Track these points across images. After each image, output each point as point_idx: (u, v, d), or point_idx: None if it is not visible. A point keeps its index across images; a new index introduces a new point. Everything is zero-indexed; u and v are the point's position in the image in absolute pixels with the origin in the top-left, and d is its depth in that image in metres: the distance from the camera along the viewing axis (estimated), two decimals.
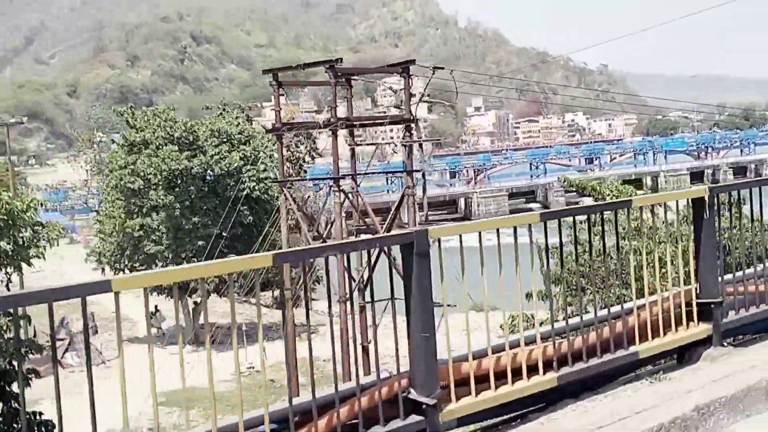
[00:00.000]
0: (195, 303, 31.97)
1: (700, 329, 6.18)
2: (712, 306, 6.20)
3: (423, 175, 28.48)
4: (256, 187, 30.50)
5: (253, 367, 27.51)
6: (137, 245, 30.42)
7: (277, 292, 45.16)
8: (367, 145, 28.79)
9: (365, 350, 23.21)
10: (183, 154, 30.32)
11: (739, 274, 6.69)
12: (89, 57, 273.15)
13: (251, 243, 29.33)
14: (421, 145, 27.93)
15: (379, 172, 31.66)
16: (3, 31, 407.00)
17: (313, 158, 39.59)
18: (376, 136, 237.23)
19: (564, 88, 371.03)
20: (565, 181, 26.59)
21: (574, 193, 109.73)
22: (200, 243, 30.05)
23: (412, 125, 25.80)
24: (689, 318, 6.16)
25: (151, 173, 29.55)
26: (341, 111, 26.28)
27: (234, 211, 29.06)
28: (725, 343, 6.29)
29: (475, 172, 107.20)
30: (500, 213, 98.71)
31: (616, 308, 6.24)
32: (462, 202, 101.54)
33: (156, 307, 29.43)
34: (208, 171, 30.56)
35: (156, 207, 29.54)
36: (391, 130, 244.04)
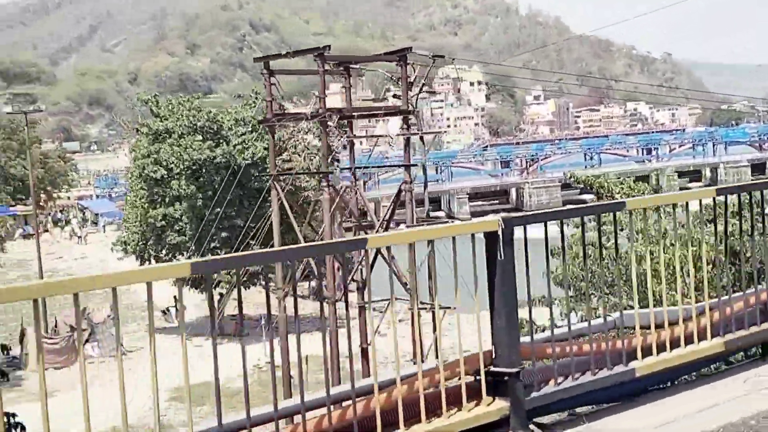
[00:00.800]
0: (220, 294, 31.67)
1: None
2: None
3: (424, 169, 27.58)
4: (281, 178, 29.99)
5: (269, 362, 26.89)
6: (160, 235, 30.24)
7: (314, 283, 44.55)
8: (360, 138, 27.96)
9: (365, 353, 22.53)
10: (206, 143, 29.93)
11: None
12: (150, 45, 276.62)
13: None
14: (422, 138, 26.98)
15: (378, 166, 30.89)
16: (70, 19, 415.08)
17: (345, 147, 38.61)
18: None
19: (626, 77, 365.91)
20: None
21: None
22: (224, 234, 29.76)
23: (411, 116, 24.77)
24: None
25: (173, 163, 29.26)
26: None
27: (258, 201, 28.75)
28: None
29: (527, 162, 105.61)
30: (552, 204, 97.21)
31: None
32: (513, 193, 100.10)
33: (175, 297, 29.18)
34: (231, 161, 30.09)
35: (179, 197, 29.21)
36: (455, 121, 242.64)
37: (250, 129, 30.68)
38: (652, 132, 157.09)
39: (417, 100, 26.82)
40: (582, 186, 25.56)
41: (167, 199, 29.87)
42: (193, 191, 29.14)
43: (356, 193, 41.13)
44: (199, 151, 29.57)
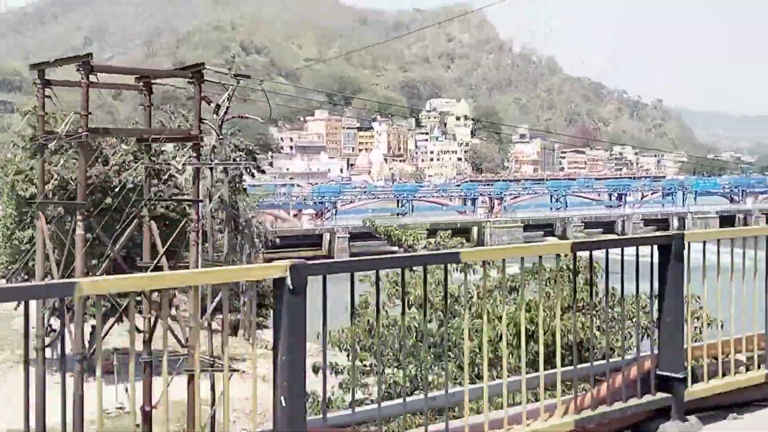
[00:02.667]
0: (92, 327, 30.06)
1: None
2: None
3: (224, 203, 26.08)
4: (162, 205, 28.58)
5: (122, 408, 25.09)
6: (26, 259, 28.74)
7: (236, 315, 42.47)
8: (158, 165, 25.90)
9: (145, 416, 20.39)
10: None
11: None
12: (140, 60, 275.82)
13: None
14: (211, 169, 25.51)
15: (178, 200, 28.65)
16: (65, 29, 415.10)
17: (252, 175, 37.28)
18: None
19: (615, 121, 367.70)
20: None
21: (598, 229, 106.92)
22: (93, 262, 28.31)
23: (203, 144, 23.17)
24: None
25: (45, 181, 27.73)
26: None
27: (133, 227, 27.29)
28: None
29: (490, 200, 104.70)
30: (514, 244, 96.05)
31: None
32: (475, 231, 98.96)
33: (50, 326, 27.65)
34: (108, 182, 28.56)
35: (49, 219, 27.68)
36: (439, 155, 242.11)
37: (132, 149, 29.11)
38: (621, 178, 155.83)
39: (222, 125, 25.27)
40: (382, 236, 24.06)
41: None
42: (60, 213, 27.70)
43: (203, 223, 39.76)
44: (70, 169, 28.02)
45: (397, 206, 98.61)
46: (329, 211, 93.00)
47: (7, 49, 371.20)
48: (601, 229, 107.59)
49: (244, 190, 37.27)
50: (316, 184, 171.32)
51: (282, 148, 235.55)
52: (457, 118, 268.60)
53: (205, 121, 23.66)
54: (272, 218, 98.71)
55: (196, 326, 15.80)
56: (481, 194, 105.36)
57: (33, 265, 26.29)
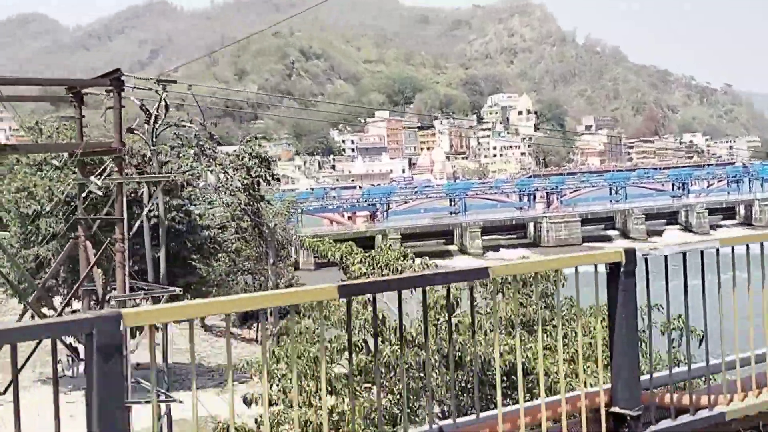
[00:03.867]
0: None
1: None
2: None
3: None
4: (168, 216, 28.08)
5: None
6: (33, 277, 28.47)
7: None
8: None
9: None
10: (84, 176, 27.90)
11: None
12: (203, 70, 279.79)
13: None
14: (148, 184, 24.58)
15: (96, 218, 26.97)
16: (132, 43, 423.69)
17: (269, 183, 36.61)
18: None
19: (684, 108, 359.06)
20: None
21: (660, 220, 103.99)
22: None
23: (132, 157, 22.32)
24: None
25: (45, 197, 27.50)
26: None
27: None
28: None
29: (547, 195, 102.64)
30: (571, 240, 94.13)
31: None
32: (531, 227, 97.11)
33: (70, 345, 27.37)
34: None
35: (55, 235, 27.46)
36: (502, 150, 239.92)
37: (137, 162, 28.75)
38: (687, 166, 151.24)
39: (154, 136, 24.40)
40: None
41: (40, 239, 28.17)
42: (62, 229, 27.40)
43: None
44: (72, 185, 27.66)
45: (450, 205, 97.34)
46: (380, 212, 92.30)
47: (76, 65, 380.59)
48: (664, 220, 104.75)
49: (262, 197, 36.60)
50: (378, 185, 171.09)
51: (344, 150, 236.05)
52: (519, 113, 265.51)
53: (137, 132, 23.03)
54: (327, 221, 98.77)
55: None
56: (537, 189, 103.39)
57: (41, 283, 26.06)
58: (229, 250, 35.16)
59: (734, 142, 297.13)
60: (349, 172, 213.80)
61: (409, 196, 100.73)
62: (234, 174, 35.22)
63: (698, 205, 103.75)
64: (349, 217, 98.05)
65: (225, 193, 35.95)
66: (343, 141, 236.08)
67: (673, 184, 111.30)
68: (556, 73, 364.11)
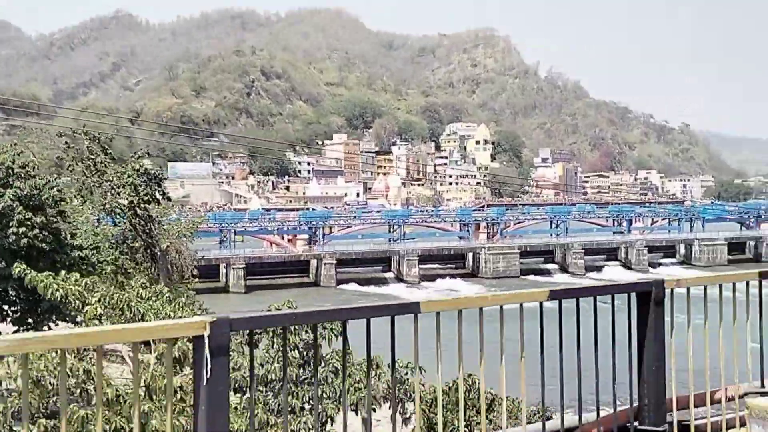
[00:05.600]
0: None
1: None
2: None
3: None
4: (29, 234, 26.76)
5: None
6: None
7: None
8: None
9: None
10: None
11: None
12: (161, 84, 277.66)
13: (32, 303, 25.86)
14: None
15: None
16: (94, 54, 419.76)
17: (158, 202, 35.35)
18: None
19: (641, 145, 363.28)
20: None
21: (600, 255, 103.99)
22: None
23: None
24: None
25: None
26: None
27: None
28: None
29: (487, 226, 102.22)
30: (509, 272, 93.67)
31: None
32: (470, 257, 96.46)
33: None
34: None
35: None
36: (458, 179, 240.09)
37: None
38: (622, 203, 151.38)
39: None
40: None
41: None
42: None
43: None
44: None
45: (389, 231, 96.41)
46: (317, 237, 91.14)
47: (35, 74, 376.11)
48: (604, 256, 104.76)
49: (150, 217, 35.25)
50: (331, 208, 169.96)
51: (299, 171, 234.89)
52: (477, 142, 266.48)
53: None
54: (267, 243, 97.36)
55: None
56: (477, 220, 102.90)
57: None
58: (111, 271, 33.63)
59: (688, 180, 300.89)
60: (303, 193, 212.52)
61: (347, 221, 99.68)
62: (120, 191, 33.86)
63: (638, 242, 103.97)
64: (290, 240, 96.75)
65: (110, 212, 34.59)
66: (300, 162, 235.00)
67: (614, 221, 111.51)
68: (517, 105, 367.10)
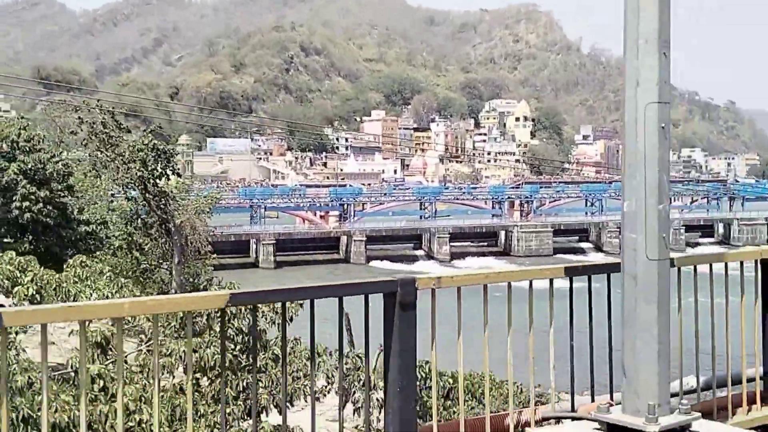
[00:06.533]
0: None
1: None
2: None
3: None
4: (33, 208, 26.63)
5: None
6: None
7: None
8: None
9: None
10: None
11: None
12: (199, 61, 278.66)
13: None
14: None
15: None
16: (137, 30, 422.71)
17: (168, 177, 35.00)
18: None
19: (686, 123, 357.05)
20: None
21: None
22: None
23: None
24: None
25: None
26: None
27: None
28: None
29: (521, 204, 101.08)
30: (542, 250, 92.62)
31: None
32: (502, 236, 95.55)
33: None
34: None
35: None
36: (496, 156, 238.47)
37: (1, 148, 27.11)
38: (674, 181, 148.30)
39: None
40: None
41: None
42: None
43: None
44: None
45: (420, 209, 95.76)
46: (348, 213, 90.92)
47: (78, 50, 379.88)
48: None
49: (163, 193, 34.98)
50: (368, 185, 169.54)
51: (337, 148, 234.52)
52: (517, 119, 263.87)
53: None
54: (299, 219, 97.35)
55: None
56: (509, 197, 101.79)
57: None
58: (121, 246, 33.49)
59: (733, 159, 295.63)
60: (341, 170, 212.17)
61: (379, 198, 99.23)
62: (131, 166, 33.60)
63: (675, 221, 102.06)
64: (322, 216, 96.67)
65: (122, 187, 34.38)
66: (337, 139, 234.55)
67: None
68: (558, 82, 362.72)
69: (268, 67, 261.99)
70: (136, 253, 36.99)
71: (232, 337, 9.50)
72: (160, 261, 37.84)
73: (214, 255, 45.92)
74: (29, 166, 26.49)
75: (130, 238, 33.60)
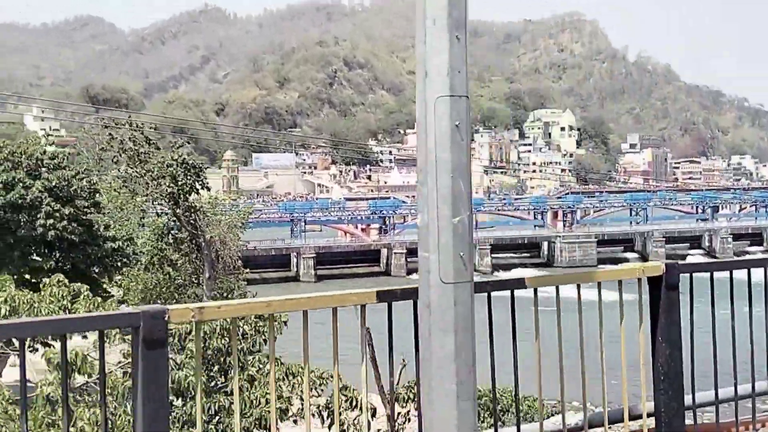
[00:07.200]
0: None
1: None
2: None
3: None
4: (58, 225, 26.78)
5: None
6: None
7: None
8: None
9: None
10: None
11: None
12: (244, 77, 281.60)
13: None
14: None
15: None
16: (185, 48, 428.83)
17: (198, 192, 35.06)
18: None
19: (735, 129, 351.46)
20: None
21: (683, 244, 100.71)
22: None
23: None
24: None
25: None
26: None
27: (31, 252, 25.75)
28: None
29: (564, 214, 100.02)
30: (586, 261, 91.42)
31: None
32: (545, 247, 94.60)
33: None
34: None
35: None
36: (542, 166, 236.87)
37: (26, 165, 27.26)
38: (705, 190, 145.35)
39: None
40: None
41: None
42: None
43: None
44: None
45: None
46: (389, 226, 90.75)
47: (127, 68, 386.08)
48: (686, 244, 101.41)
49: (194, 209, 35.07)
50: (412, 197, 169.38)
51: (381, 161, 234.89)
52: (562, 129, 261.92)
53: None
54: (341, 233, 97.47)
55: None
56: (551, 207, 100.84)
57: None
58: (148, 261, 33.65)
59: None
60: (385, 183, 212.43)
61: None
62: (161, 182, 33.80)
63: (722, 230, 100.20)
64: (363, 229, 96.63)
65: (153, 203, 34.60)
66: (381, 152, 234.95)
67: (698, 207, 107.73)
68: (604, 90, 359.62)
69: (312, 82, 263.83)
70: (169, 269, 37.35)
71: (209, 358, 9.35)
72: (192, 276, 38.12)
73: (247, 269, 46.11)
74: (53, 184, 26.70)
75: (161, 254, 33.80)
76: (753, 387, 5.29)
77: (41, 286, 11.05)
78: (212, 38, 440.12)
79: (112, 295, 29.07)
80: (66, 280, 11.53)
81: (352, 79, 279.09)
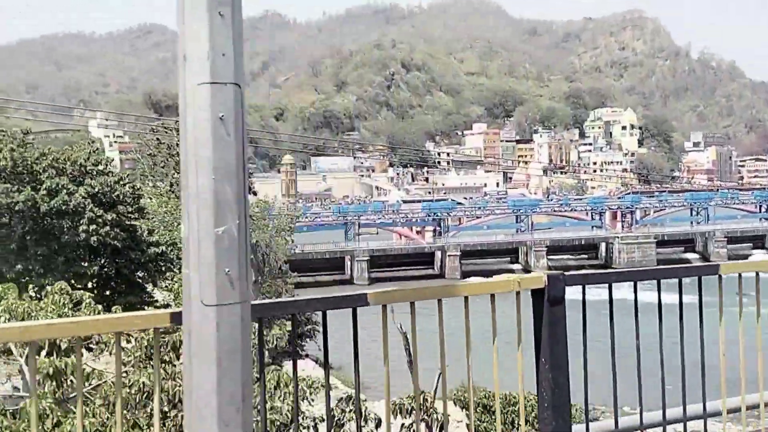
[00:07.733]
0: None
1: None
2: None
3: None
4: (101, 231, 27.10)
5: None
6: None
7: None
8: None
9: None
10: (10, 186, 27.02)
11: None
12: (303, 81, 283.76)
13: (108, 298, 26.28)
14: None
15: None
16: (245, 54, 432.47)
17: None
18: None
19: None
20: None
21: (746, 244, 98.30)
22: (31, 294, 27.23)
23: None
24: None
25: None
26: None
27: (76, 257, 26.15)
28: None
29: (623, 214, 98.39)
30: (645, 262, 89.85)
31: None
32: (603, 247, 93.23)
33: None
34: (35, 208, 27.10)
35: None
36: (602, 166, 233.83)
37: (70, 171, 27.61)
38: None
39: None
40: None
41: None
42: None
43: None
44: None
45: (516, 222, 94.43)
46: (443, 228, 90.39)
47: None
48: (749, 244, 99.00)
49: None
50: (470, 198, 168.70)
51: (439, 162, 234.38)
52: (623, 128, 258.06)
53: None
54: (396, 235, 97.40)
55: None
56: (610, 208, 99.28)
57: None
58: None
59: None
60: (443, 184, 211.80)
61: (474, 212, 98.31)
62: None
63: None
64: (418, 232, 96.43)
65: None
66: (439, 153, 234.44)
67: (761, 206, 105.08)
68: (667, 88, 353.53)
69: (369, 85, 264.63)
70: None
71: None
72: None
73: (295, 273, 46.38)
74: (96, 190, 27.06)
75: None
76: (641, 420, 4.88)
77: (42, 294, 11.13)
78: (272, 44, 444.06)
79: (156, 300, 29.47)
80: (68, 288, 11.61)
81: (410, 82, 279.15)
